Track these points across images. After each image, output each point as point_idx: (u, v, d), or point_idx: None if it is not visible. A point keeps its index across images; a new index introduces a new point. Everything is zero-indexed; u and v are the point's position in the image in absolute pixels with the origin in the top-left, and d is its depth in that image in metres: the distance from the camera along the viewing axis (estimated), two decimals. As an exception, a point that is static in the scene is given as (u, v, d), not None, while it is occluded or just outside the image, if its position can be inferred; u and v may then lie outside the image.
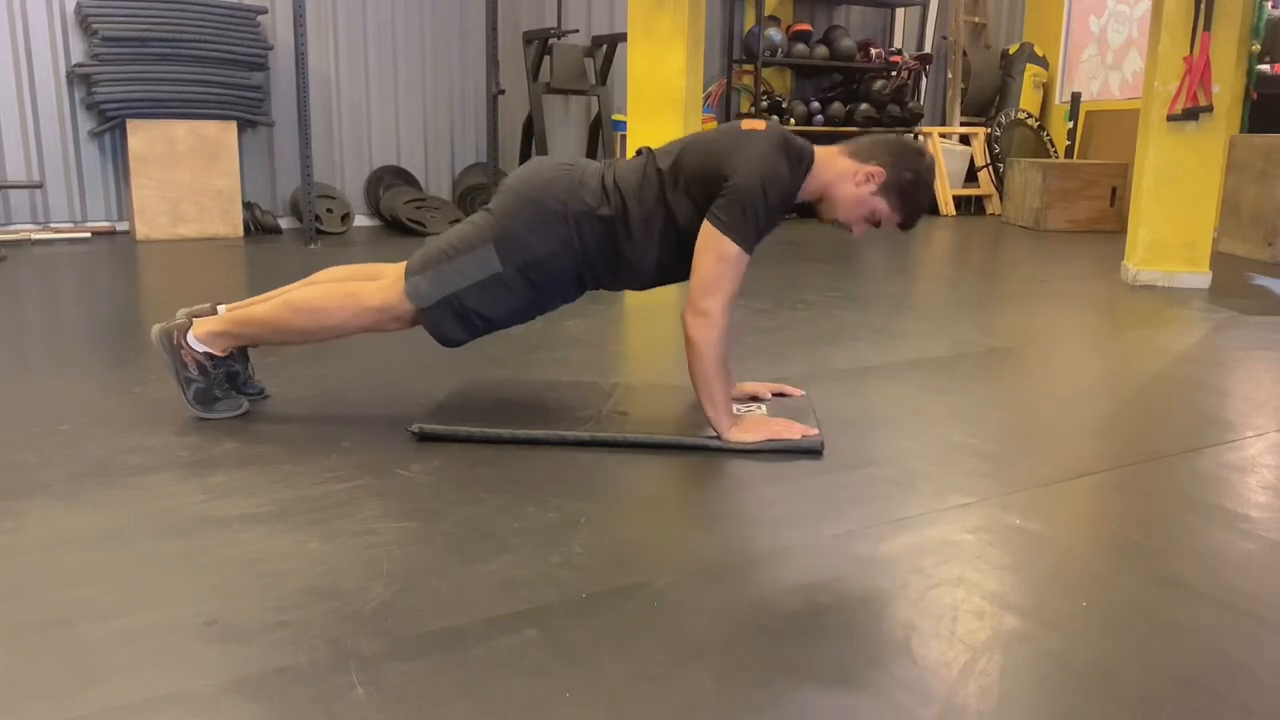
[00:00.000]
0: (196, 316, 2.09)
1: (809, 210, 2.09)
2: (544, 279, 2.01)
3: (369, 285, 2.04)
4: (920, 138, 7.94)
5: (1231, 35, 4.11)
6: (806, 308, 3.60)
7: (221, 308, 2.13)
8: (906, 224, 2.03)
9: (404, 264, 2.06)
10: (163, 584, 1.36)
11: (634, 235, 2.00)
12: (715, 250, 1.91)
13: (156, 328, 2.05)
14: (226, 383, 2.12)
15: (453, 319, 2.01)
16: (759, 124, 2.00)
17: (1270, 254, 5.26)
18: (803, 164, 1.98)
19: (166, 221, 5.36)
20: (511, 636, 1.23)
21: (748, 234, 1.91)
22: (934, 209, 7.78)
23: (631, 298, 3.66)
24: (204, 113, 5.39)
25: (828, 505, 1.70)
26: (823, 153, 2.02)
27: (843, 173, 1.99)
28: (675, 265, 2.04)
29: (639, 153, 2.09)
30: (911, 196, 1.98)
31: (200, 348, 2.04)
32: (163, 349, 2.04)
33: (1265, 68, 6.42)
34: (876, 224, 2.02)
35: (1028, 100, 8.07)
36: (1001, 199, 7.61)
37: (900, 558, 1.49)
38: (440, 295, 1.98)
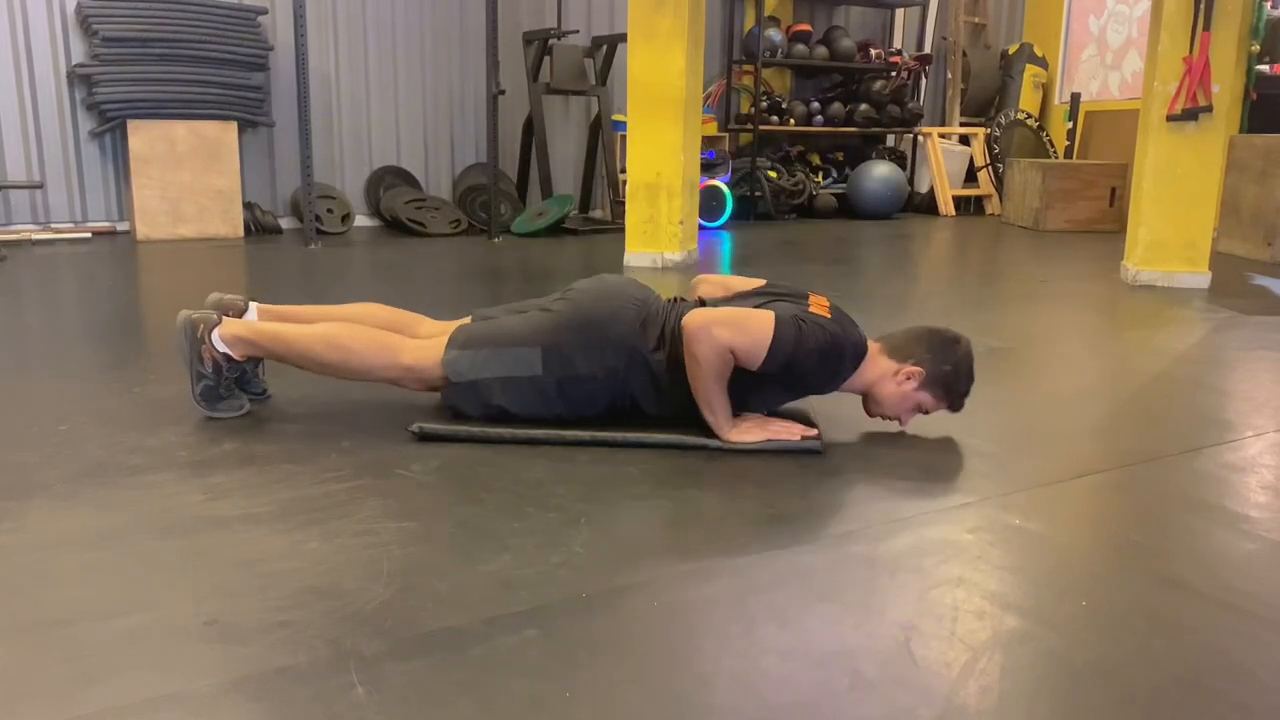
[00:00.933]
0: (227, 311, 2.09)
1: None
2: (578, 395, 2.02)
3: (408, 342, 2.05)
4: (920, 138, 7.95)
5: (1231, 35, 4.11)
6: (806, 308, 3.60)
7: (253, 306, 2.14)
8: (954, 408, 2.05)
9: (446, 327, 2.08)
10: (163, 584, 1.36)
11: (678, 380, 1.98)
12: (756, 318, 1.91)
13: (184, 314, 2.05)
14: (234, 383, 2.12)
15: (475, 401, 2.02)
16: (825, 308, 2.02)
17: (1270, 254, 5.26)
18: (857, 356, 1.99)
19: (167, 222, 5.36)
20: (511, 636, 1.23)
21: (783, 344, 1.88)
22: (934, 209, 7.79)
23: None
24: (204, 113, 5.40)
25: (827, 505, 1.70)
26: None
27: (884, 373, 2.01)
28: None
29: (700, 302, 2.10)
30: (953, 387, 2.01)
31: (222, 348, 2.04)
32: (184, 337, 2.04)
33: (1265, 68, 6.42)
34: (926, 412, 2.05)
35: (1027, 100, 8.08)
36: (1001, 199, 7.61)
37: (900, 558, 1.49)
38: (474, 377, 1.99)
